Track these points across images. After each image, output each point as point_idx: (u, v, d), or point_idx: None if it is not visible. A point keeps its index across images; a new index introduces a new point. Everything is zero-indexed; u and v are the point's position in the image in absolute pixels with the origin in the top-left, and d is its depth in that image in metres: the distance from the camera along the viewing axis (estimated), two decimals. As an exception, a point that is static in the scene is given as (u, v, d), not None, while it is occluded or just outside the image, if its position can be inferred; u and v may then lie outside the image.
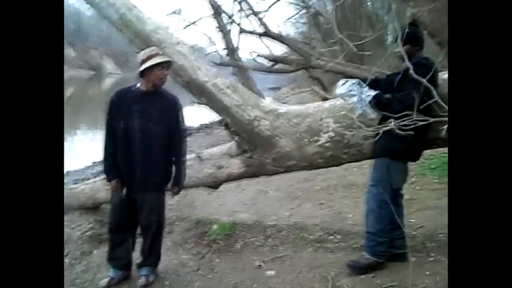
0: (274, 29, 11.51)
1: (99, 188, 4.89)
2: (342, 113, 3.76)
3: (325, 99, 3.84)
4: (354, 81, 3.51)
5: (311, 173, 5.59)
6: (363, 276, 3.35)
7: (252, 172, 4.46)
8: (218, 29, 13.07)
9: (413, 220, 4.45)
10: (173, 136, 3.55)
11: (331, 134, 3.90)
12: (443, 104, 2.01)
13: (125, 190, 3.50)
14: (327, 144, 3.87)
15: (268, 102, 4.99)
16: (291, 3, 15.09)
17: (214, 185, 4.75)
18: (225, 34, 13.01)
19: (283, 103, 5.44)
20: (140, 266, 3.63)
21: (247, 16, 12.02)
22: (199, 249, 4.19)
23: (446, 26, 2.11)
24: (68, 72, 49.10)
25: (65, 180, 7.74)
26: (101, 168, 3.78)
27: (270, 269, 3.66)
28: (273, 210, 5.28)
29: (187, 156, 5.01)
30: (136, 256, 3.68)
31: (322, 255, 3.75)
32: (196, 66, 4.27)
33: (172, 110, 3.57)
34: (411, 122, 2.30)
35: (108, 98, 3.65)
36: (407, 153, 3.37)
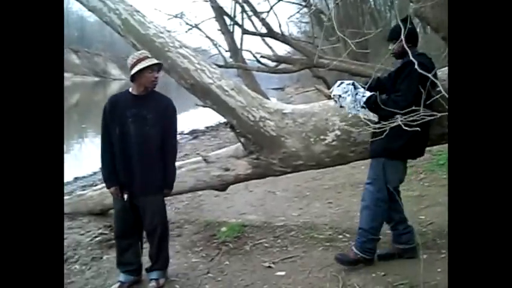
0: (276, 29, 11.50)
1: (107, 193, 4.88)
2: (348, 111, 3.74)
3: (330, 98, 3.81)
4: (349, 82, 3.50)
5: (319, 172, 5.60)
6: (373, 274, 3.33)
7: (259, 173, 4.46)
8: (221, 31, 13.10)
9: (423, 217, 4.43)
10: (168, 138, 3.53)
11: (338, 132, 3.89)
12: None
13: (126, 196, 3.49)
14: (333, 143, 3.86)
15: (273, 102, 4.99)
16: (293, 2, 15.06)
17: (221, 187, 4.75)
18: (228, 36, 13.03)
19: (288, 103, 5.43)
20: (149, 270, 3.62)
21: (250, 17, 12.03)
22: (208, 251, 4.18)
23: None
24: (73, 79, 49.42)
25: (73, 187, 7.78)
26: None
27: (280, 269, 3.64)
28: (282, 211, 5.27)
29: (194, 159, 5.03)
30: (146, 260, 3.68)
31: (332, 255, 3.72)
32: (200, 68, 4.28)
33: (168, 112, 3.56)
34: (418, 117, 2.29)
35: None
36: (404, 152, 3.36)
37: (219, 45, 13.48)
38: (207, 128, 15.39)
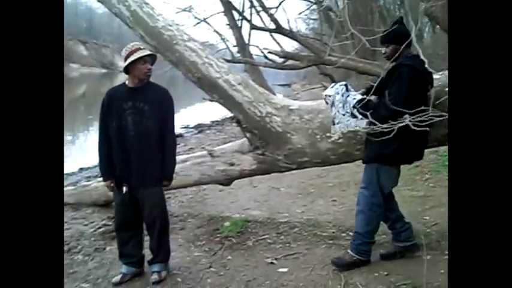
0: (285, 25, 11.47)
1: (112, 185, 4.90)
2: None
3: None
4: (342, 83, 3.55)
5: (324, 169, 5.58)
6: (376, 274, 3.32)
7: (264, 169, 4.45)
8: (229, 26, 13.08)
9: (427, 217, 4.41)
10: (166, 129, 3.50)
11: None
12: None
13: (125, 189, 3.49)
14: (339, 141, 3.85)
15: (280, 98, 4.98)
16: (302, -1, 15.00)
17: (226, 181, 4.74)
18: (236, 31, 13.01)
19: (294, 100, 5.42)
20: (151, 262, 3.63)
21: (258, 12, 12.00)
22: (211, 246, 4.17)
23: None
24: (81, 70, 49.57)
25: (78, 177, 7.81)
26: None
27: (283, 266, 3.64)
28: (286, 207, 5.26)
29: (199, 153, 5.03)
30: (148, 252, 3.68)
31: (335, 253, 3.72)
32: (207, 62, 4.27)
33: (164, 102, 3.53)
34: (426, 117, 2.28)
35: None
36: (397, 158, 3.35)
37: (227, 40, 13.45)
38: (212, 122, 15.40)
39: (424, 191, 5.33)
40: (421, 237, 3.48)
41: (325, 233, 4.22)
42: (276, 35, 11.88)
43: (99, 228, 4.70)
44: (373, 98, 3.38)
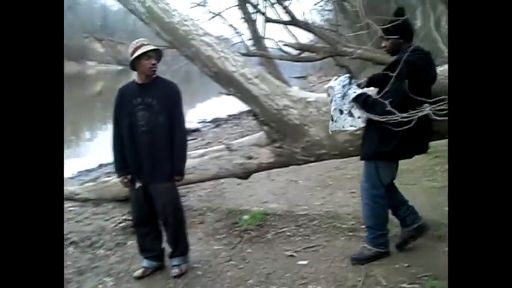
0: (300, 17, 11.39)
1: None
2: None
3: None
4: (346, 75, 3.56)
5: (342, 161, 5.54)
6: (396, 265, 3.31)
7: (282, 162, 4.44)
8: (243, 19, 13.04)
9: (446, 208, 4.36)
10: (175, 122, 3.50)
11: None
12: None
13: (138, 184, 3.52)
14: (357, 132, 3.82)
15: (296, 91, 4.96)
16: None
17: (244, 175, 4.75)
18: (251, 24, 12.97)
19: (311, 92, 5.40)
20: (171, 256, 3.66)
21: (273, 5, 11.93)
22: (230, 239, 4.19)
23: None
24: (97, 67, 49.97)
25: (98, 173, 7.91)
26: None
27: (303, 258, 3.64)
28: (304, 200, 5.25)
29: (217, 147, 5.04)
30: (168, 246, 3.71)
31: (355, 245, 3.71)
32: (223, 56, 4.27)
33: (172, 96, 3.54)
34: (446, 106, 2.25)
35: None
36: (396, 154, 3.32)
37: (242, 34, 13.42)
38: (229, 116, 15.42)
39: (443, 181, 5.27)
40: (442, 228, 3.45)
41: (344, 225, 4.21)
42: (291, 27, 11.79)
43: (120, 223, 4.75)
44: (374, 92, 3.36)
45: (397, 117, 2.60)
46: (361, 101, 3.29)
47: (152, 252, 3.66)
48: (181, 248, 3.64)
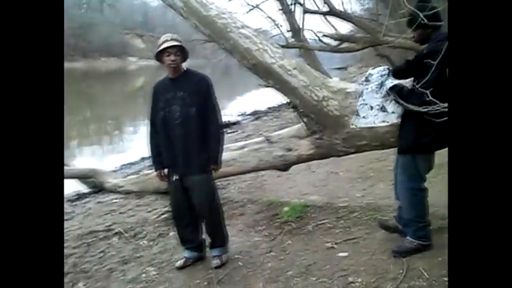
0: (338, 6, 11.24)
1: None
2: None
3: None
4: (386, 67, 3.56)
5: (383, 152, 5.46)
6: (439, 258, 3.22)
7: (321, 153, 4.42)
8: (282, 11, 12.97)
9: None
10: (207, 113, 3.53)
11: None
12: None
13: (175, 177, 3.57)
14: (398, 123, 3.75)
15: (336, 81, 4.91)
16: (356, -21, 14.64)
17: (284, 167, 4.75)
18: (289, 15, 12.89)
19: (352, 83, 5.33)
20: (211, 247, 3.71)
21: (311, -5, 11.82)
22: (270, 231, 4.21)
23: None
24: (138, 63, 50.84)
25: (140, 166, 8.08)
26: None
27: (343, 250, 3.61)
28: (345, 192, 5.21)
29: (257, 139, 5.06)
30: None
31: (396, 237, 3.65)
32: (262, 48, 4.27)
33: (202, 88, 3.57)
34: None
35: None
36: (434, 146, 3.27)
37: (280, 25, 13.35)
38: (269, 108, 15.42)
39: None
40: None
41: (385, 217, 4.13)
42: (330, 18, 11.66)
43: (162, 214, 4.85)
44: (407, 82, 3.30)
45: (438, 107, 2.53)
46: (397, 91, 3.24)
47: (192, 243, 3.72)
48: (219, 239, 3.69)
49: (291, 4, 12.82)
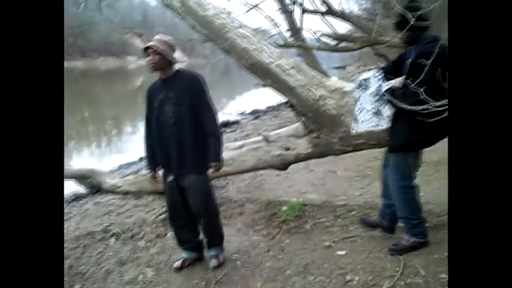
0: (337, 6, 11.27)
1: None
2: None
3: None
4: (377, 68, 3.58)
5: (380, 151, 5.47)
6: (436, 256, 3.24)
7: (319, 152, 4.43)
8: (280, 11, 12.97)
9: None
10: (201, 111, 3.50)
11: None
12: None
13: (170, 178, 3.58)
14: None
15: (333, 81, 4.92)
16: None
17: (282, 166, 4.76)
18: (288, 15, 12.89)
19: (350, 82, 5.35)
20: (208, 247, 3.72)
21: (310, -5, 11.84)
22: (269, 230, 4.22)
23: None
24: (138, 62, 50.80)
25: (138, 167, 8.08)
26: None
27: (341, 248, 3.63)
28: (343, 190, 5.23)
29: (255, 139, 5.07)
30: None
31: (393, 235, 3.67)
32: (259, 48, 4.28)
33: (193, 86, 3.52)
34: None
35: None
36: (425, 143, 3.31)
37: (279, 25, 13.37)
38: (268, 107, 15.44)
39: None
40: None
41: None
42: (328, 18, 11.68)
43: (160, 215, 4.85)
44: (400, 82, 3.32)
45: (430, 107, 2.55)
46: (391, 93, 3.26)
47: (190, 244, 3.73)
48: (216, 239, 3.70)
49: (290, 4, 12.82)
